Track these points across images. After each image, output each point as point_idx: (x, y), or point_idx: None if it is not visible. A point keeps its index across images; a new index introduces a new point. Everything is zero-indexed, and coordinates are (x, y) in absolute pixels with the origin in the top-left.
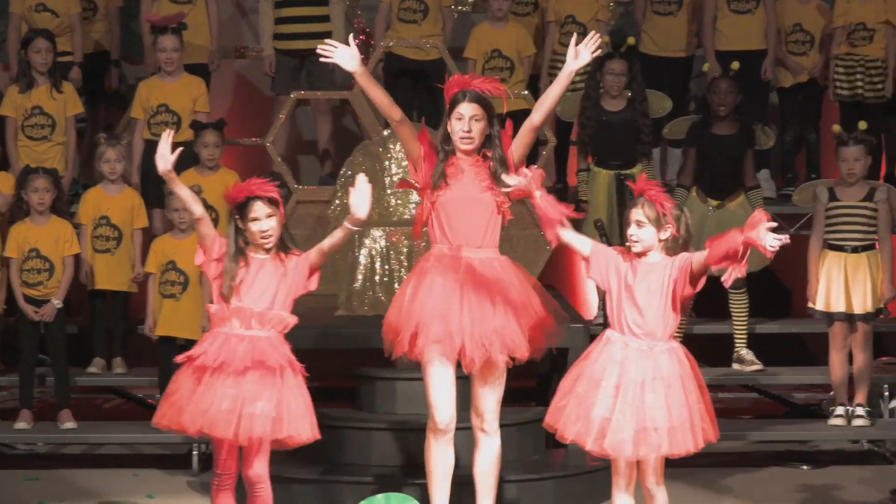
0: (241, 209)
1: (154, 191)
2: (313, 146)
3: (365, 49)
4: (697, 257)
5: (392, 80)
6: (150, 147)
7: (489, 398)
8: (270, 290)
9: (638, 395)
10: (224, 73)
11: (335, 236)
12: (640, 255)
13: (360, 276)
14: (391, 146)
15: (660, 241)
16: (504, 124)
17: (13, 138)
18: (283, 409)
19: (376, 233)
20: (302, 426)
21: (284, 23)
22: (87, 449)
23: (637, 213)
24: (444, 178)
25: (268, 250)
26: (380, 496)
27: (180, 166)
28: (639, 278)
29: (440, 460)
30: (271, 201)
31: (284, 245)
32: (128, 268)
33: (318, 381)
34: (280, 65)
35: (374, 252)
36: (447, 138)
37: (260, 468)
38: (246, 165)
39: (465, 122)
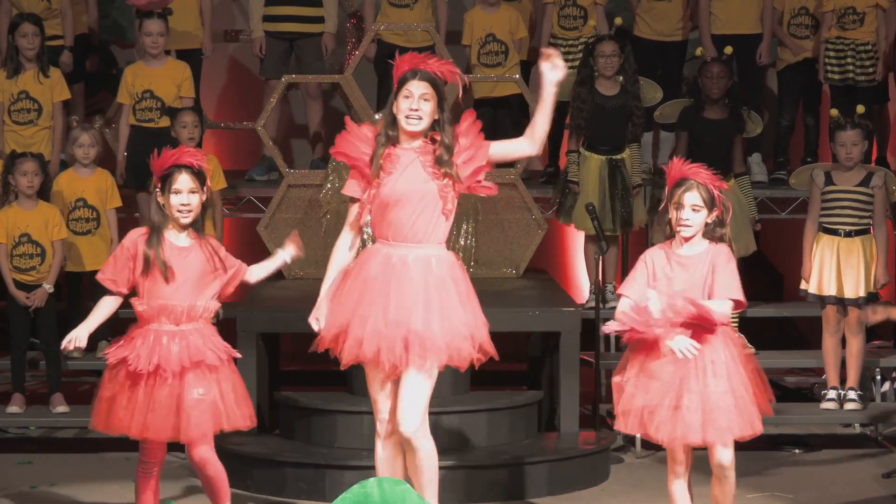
0: (164, 180)
1: (138, 176)
2: (304, 130)
3: (356, 33)
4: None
5: (383, 69)
6: (136, 132)
7: (405, 397)
8: (196, 279)
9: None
10: (215, 57)
11: (268, 266)
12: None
13: None
14: None
15: (706, 224)
16: (459, 117)
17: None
18: (223, 403)
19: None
20: (242, 416)
21: (274, 4)
22: (78, 433)
23: (693, 197)
24: (381, 170)
25: (183, 227)
26: (372, 479)
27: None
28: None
29: (388, 464)
30: (198, 176)
31: (200, 229)
32: (108, 248)
33: (309, 364)
34: (270, 48)
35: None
36: (392, 122)
37: (205, 452)
38: (236, 149)
39: (413, 100)
